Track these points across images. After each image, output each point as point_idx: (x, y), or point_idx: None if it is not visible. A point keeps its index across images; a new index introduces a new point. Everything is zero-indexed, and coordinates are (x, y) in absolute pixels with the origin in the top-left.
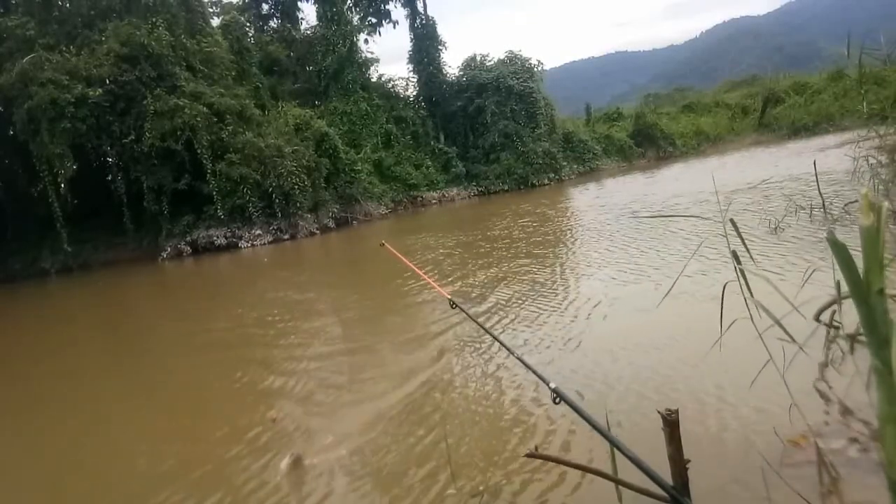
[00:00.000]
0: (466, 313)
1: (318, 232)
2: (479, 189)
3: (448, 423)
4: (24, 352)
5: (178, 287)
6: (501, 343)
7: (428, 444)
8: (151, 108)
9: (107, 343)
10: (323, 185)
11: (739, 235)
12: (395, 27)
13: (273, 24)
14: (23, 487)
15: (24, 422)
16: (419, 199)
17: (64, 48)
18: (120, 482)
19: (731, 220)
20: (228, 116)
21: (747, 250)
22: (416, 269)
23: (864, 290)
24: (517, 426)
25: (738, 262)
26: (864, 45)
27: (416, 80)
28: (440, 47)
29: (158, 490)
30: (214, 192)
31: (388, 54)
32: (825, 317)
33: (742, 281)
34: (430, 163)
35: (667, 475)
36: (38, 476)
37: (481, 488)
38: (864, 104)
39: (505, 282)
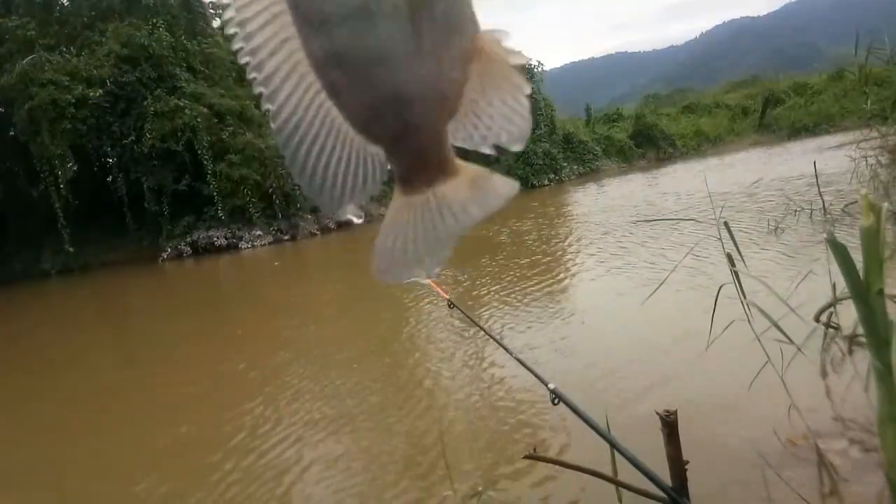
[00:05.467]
0: (465, 313)
1: (318, 233)
2: None
3: (445, 424)
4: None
5: (177, 290)
6: (499, 343)
7: (425, 446)
8: (152, 108)
9: None
10: None
11: (732, 238)
12: None
13: None
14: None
15: None
16: None
17: (64, 49)
18: None
19: (725, 223)
20: (229, 117)
21: (739, 253)
22: None
23: (863, 290)
24: (515, 427)
25: (733, 265)
26: (870, 44)
27: None
28: None
29: None
30: (215, 193)
31: None
32: (824, 318)
33: (737, 283)
34: None
35: (666, 476)
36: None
37: (479, 490)
38: (868, 103)
39: (503, 283)
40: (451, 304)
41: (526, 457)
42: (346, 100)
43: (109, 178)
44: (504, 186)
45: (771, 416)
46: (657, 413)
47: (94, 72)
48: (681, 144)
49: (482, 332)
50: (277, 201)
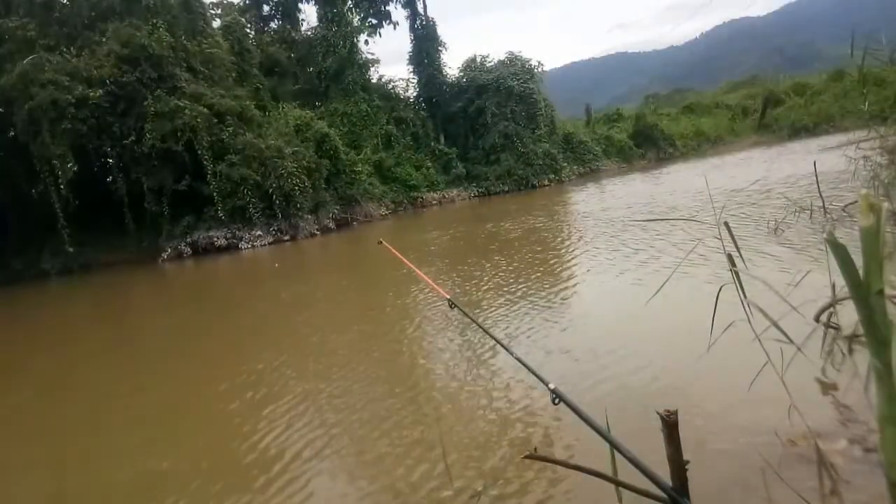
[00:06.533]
0: (465, 313)
1: (318, 233)
2: (480, 190)
3: (445, 424)
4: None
5: (177, 291)
6: (500, 343)
7: (424, 446)
8: (152, 109)
9: None
10: (323, 186)
11: (733, 239)
12: (395, 28)
13: (274, 25)
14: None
15: None
16: (419, 200)
17: (64, 49)
18: None
19: (726, 224)
20: (229, 117)
21: (739, 254)
22: (415, 269)
23: (864, 291)
24: (515, 427)
25: (733, 265)
26: (866, 45)
27: (416, 81)
28: (440, 48)
29: None
30: (215, 193)
31: (388, 55)
32: (824, 318)
33: (737, 283)
34: (430, 164)
35: (666, 476)
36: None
37: (479, 489)
38: (866, 104)
39: (504, 283)
40: (451, 304)
41: (526, 456)
42: None
43: (109, 178)
44: None
45: (771, 416)
46: (657, 413)
47: (95, 72)
48: (681, 144)
49: (483, 332)
50: (277, 201)
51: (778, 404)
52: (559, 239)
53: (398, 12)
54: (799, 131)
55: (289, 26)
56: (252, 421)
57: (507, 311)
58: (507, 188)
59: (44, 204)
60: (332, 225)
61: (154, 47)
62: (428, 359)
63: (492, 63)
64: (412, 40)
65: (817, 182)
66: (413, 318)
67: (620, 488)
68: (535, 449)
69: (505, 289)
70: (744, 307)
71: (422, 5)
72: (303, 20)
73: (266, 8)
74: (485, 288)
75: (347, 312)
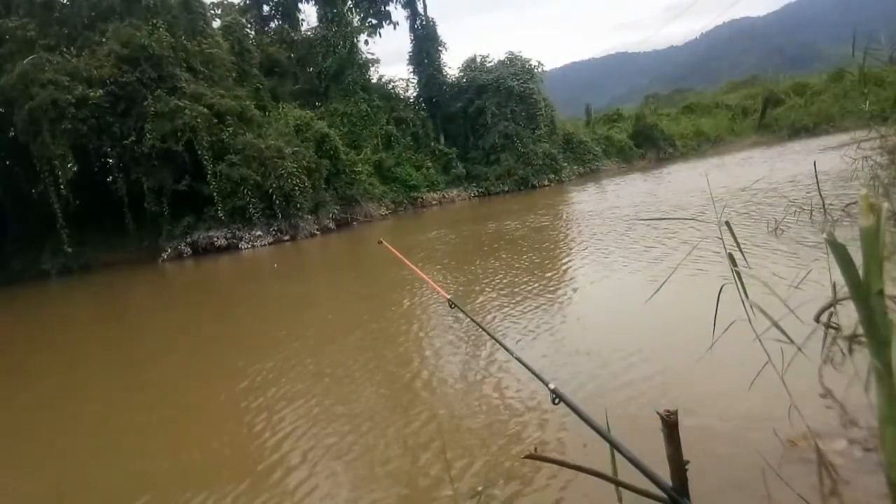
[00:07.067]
0: (465, 313)
1: (318, 233)
2: (480, 190)
3: (445, 424)
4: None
5: (177, 291)
6: (500, 343)
7: (424, 445)
8: (152, 109)
9: None
10: (323, 186)
11: (734, 238)
12: (395, 28)
13: (274, 25)
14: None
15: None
16: (419, 200)
17: (64, 49)
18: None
19: (727, 224)
20: (229, 118)
21: (742, 253)
22: (416, 269)
23: (864, 291)
24: (516, 427)
25: (734, 265)
26: (867, 45)
27: (416, 81)
28: (440, 48)
29: None
30: (215, 194)
31: (388, 55)
32: (825, 318)
33: (738, 283)
34: (430, 164)
35: (666, 476)
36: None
37: (479, 489)
38: (867, 104)
39: (504, 283)
40: (451, 304)
41: (526, 456)
42: None
43: (109, 178)
44: None
45: (771, 416)
46: (657, 413)
47: (95, 72)
48: (681, 144)
49: (483, 332)
50: (277, 201)
51: (778, 404)
52: (558, 240)
53: (398, 12)
54: (799, 131)
55: (288, 26)
56: (251, 421)
57: (506, 311)
58: (506, 188)
59: (44, 204)
60: (332, 225)
61: (154, 47)
62: (428, 359)
63: (492, 63)
64: (412, 40)
65: (817, 182)
66: (413, 318)
67: (620, 488)
68: (536, 449)
69: (505, 289)
70: (744, 307)
71: (422, 5)
72: (303, 20)
73: (266, 8)
74: (498, 286)
75: (347, 313)
